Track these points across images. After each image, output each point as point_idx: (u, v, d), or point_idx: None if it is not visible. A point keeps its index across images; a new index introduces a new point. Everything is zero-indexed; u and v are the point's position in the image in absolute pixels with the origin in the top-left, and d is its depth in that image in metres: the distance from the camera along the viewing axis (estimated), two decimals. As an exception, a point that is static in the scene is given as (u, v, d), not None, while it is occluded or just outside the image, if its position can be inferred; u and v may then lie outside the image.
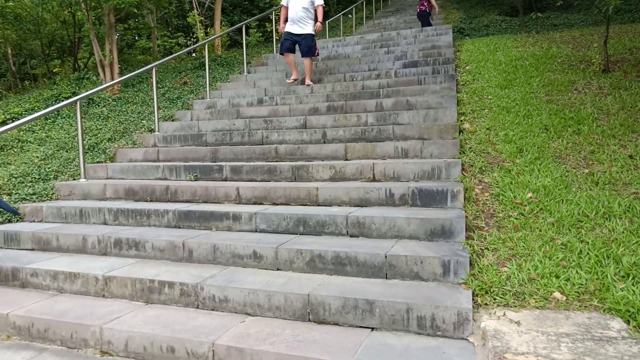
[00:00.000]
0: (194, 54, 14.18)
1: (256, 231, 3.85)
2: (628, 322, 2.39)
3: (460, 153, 4.54)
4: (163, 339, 2.68)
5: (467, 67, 7.28)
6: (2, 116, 7.76)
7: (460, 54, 8.16)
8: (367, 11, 17.17)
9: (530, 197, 3.63)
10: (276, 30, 7.32)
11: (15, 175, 5.43)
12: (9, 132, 6.30)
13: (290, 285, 2.97)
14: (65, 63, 16.04)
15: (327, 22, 14.21)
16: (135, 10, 9.94)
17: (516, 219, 3.44)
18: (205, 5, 16.11)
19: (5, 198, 4.92)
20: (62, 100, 8.17)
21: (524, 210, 3.51)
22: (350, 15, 16.29)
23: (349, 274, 3.13)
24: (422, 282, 2.94)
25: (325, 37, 12.82)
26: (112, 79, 9.41)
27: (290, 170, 4.68)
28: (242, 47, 9.57)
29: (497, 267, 2.93)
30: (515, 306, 2.60)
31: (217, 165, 5.04)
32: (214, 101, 7.34)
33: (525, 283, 2.76)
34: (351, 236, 3.57)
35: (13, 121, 7.59)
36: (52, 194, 5.19)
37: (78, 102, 5.38)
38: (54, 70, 15.65)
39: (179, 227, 4.13)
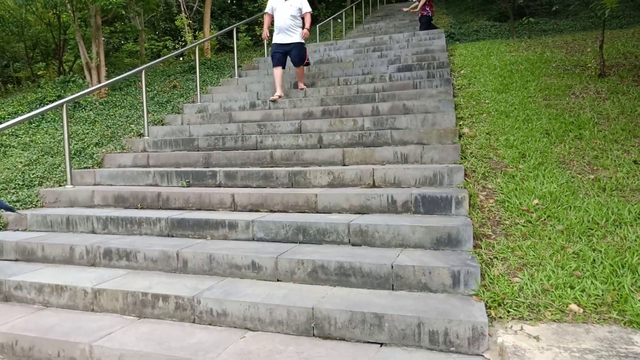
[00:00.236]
0: (181, 58, 13.98)
1: (253, 240, 3.69)
2: (650, 336, 2.28)
3: (462, 158, 4.44)
4: (158, 358, 2.50)
5: (462, 71, 7.22)
6: (-16, 120, 7.49)
7: (453, 58, 8.10)
8: (357, 16, 17.15)
9: (537, 204, 3.53)
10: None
11: (-2, 182, 5.19)
12: (-10, 136, 6.04)
13: (292, 298, 2.81)
14: (49, 66, 15.70)
15: (317, 25, 14.13)
16: (123, 12, 9.73)
17: (524, 226, 3.33)
18: (194, 9, 15.93)
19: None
20: (47, 104, 7.91)
21: (531, 217, 3.40)
22: (339, 20, 16.24)
23: (353, 285, 2.98)
24: (431, 294, 2.81)
25: (316, 41, 12.72)
26: (99, 81, 9.18)
27: (287, 176, 4.53)
28: (230, 51, 9.44)
29: (508, 278, 2.82)
30: (531, 319, 2.49)
31: (210, 170, 4.87)
32: (205, 105, 7.17)
33: (539, 294, 2.65)
34: (353, 245, 3.43)
35: (-5, 125, 7.31)
36: (37, 201, 4.96)
37: (64, 105, 5.17)
38: (38, 73, 15.30)
39: (172, 236, 3.95)
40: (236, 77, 8.64)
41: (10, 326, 2.96)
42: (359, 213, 3.83)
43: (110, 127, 6.95)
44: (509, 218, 3.46)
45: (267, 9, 6.95)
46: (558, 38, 9.07)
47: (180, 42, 14.92)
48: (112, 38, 15.58)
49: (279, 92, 6.77)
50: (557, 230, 3.22)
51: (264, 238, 3.66)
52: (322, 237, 3.50)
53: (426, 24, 11.33)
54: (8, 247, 4.01)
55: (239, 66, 9.20)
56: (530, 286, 2.70)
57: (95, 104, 8.26)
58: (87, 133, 6.78)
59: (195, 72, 9.31)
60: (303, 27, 6.75)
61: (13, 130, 7.10)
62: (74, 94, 7.39)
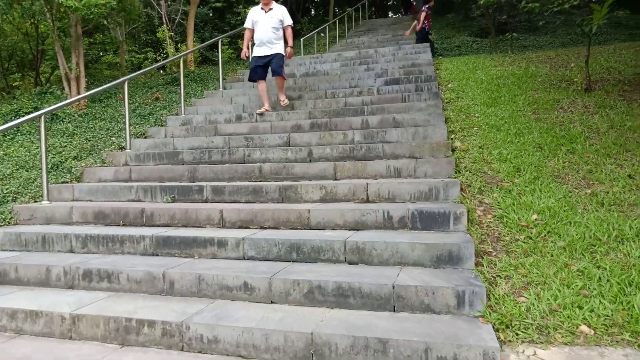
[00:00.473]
0: (161, 71, 13.75)
1: (244, 259, 3.51)
2: (666, 359, 2.19)
3: (456, 172, 4.36)
4: (144, 391, 2.30)
5: (450, 85, 7.21)
6: (-45, 132, 7.13)
7: (440, 72, 8.11)
8: (340, 30, 17.20)
9: (536, 219, 3.45)
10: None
11: (-32, 197, 4.90)
12: (-39, 149, 5.74)
13: (288, 322, 2.64)
14: (25, 77, 15.25)
15: (300, 39, 14.11)
16: (105, 22, 9.48)
17: (524, 242, 3.24)
18: (176, 21, 15.73)
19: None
20: (23, 116, 7.61)
21: (531, 233, 3.32)
22: (323, 34, 16.27)
23: (353, 307, 2.83)
24: (435, 316, 2.67)
25: (301, 54, 12.67)
26: (79, 93, 8.90)
27: (277, 191, 4.38)
28: (213, 64, 9.30)
29: (513, 297, 2.71)
30: (542, 342, 2.37)
31: (196, 185, 4.68)
32: (189, 117, 6.98)
33: (547, 315, 2.54)
34: (350, 263, 3.28)
35: (-33, 137, 6.98)
36: (10, 218, 4.68)
37: (42, 117, 4.92)
38: (14, 85, 14.84)
39: (157, 255, 3.74)
40: (221, 90, 8.48)
41: (-21, 357, 2.72)
42: (354, 229, 3.70)
43: (89, 140, 6.69)
44: (508, 234, 3.37)
45: (247, 24, 6.71)
46: (541, 53, 9.19)
47: (162, 55, 14.68)
48: (91, 49, 15.26)
49: (266, 106, 6.59)
50: (559, 246, 3.13)
51: (255, 257, 3.48)
52: (317, 255, 3.34)
53: (422, 37, 11.38)
54: (-22, 268, 3.73)
55: (223, 78, 9.05)
56: (538, 306, 2.60)
57: (74, 115, 7.98)
58: (65, 146, 6.51)
59: (178, 84, 9.14)
60: (284, 40, 6.61)
61: (-14, 143, 6.78)
62: (51, 105, 7.12)
